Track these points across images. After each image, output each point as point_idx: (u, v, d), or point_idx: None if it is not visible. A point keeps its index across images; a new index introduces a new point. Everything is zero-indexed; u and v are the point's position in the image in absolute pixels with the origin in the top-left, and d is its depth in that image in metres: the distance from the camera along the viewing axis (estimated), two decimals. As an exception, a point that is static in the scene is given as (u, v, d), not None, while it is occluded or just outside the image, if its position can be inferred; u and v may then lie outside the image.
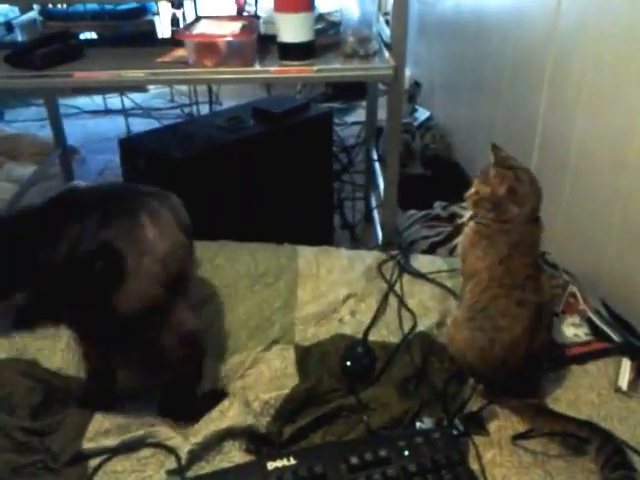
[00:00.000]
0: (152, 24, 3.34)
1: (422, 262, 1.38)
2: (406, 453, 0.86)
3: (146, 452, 0.92)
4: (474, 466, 0.89)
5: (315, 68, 1.44)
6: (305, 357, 1.11)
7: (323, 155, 1.98)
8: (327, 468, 0.84)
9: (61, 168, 2.70)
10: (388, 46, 1.50)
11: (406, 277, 1.32)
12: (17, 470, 0.89)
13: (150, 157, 1.61)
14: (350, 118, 3.37)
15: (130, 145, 1.74)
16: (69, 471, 0.89)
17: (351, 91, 3.49)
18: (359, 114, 3.34)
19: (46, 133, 3.01)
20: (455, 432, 0.93)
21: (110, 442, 0.92)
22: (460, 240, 1.09)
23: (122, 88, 3.39)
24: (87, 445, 0.92)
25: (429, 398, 1.01)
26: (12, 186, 2.47)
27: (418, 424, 0.95)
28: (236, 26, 1.51)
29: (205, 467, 0.90)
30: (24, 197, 2.34)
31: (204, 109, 3.42)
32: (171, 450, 0.91)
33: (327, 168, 2.04)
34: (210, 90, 3.31)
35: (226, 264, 1.36)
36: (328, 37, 1.59)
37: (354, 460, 0.85)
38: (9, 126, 3.47)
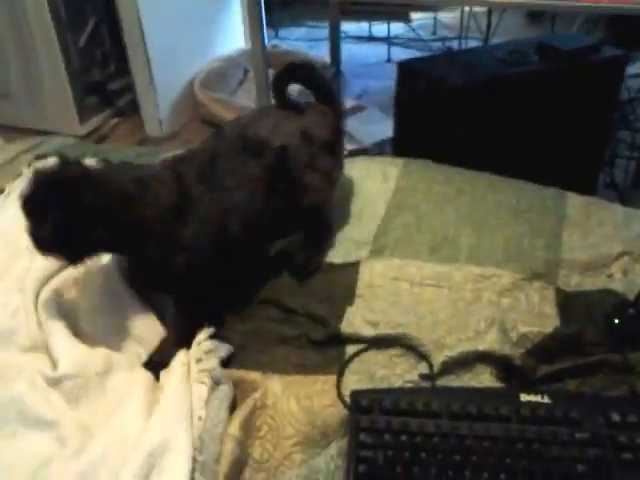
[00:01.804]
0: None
1: None
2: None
3: (397, 351, 0.96)
4: None
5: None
6: (568, 302, 1.04)
7: (606, 104, 1.81)
8: (584, 416, 0.80)
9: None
10: None
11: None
12: (284, 340, 1.00)
13: (429, 81, 1.61)
14: (632, 69, 3.02)
15: (410, 68, 1.76)
16: (329, 351, 0.97)
17: (635, 38, 3.10)
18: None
19: (315, 54, 3.19)
20: None
21: (366, 332, 0.97)
22: None
23: (390, 14, 3.43)
24: (345, 330, 0.98)
25: None
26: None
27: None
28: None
29: (454, 381, 0.90)
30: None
31: (468, 44, 3.32)
32: (423, 356, 0.93)
33: (607, 119, 1.85)
34: (489, 24, 3.17)
35: (488, 194, 1.33)
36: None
37: (615, 417, 0.79)
38: (283, 43, 3.73)
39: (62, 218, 0.86)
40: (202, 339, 0.95)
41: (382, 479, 0.75)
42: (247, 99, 2.80)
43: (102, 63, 2.78)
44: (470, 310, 1.03)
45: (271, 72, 2.93)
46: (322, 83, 1.16)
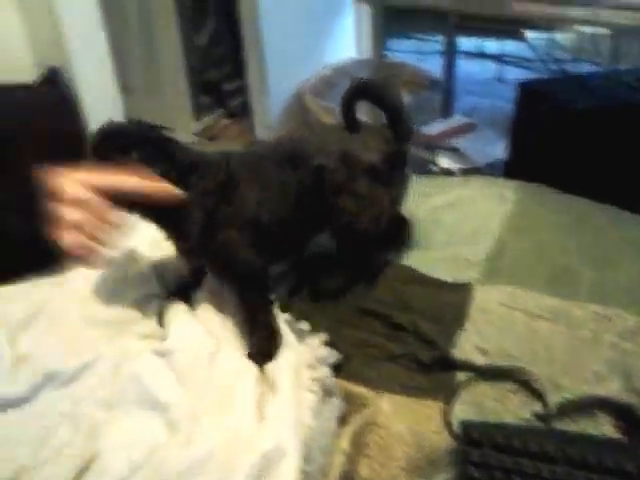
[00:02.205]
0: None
1: None
2: None
3: (510, 385, 0.92)
4: None
5: None
6: None
7: None
8: None
9: (441, 102, 2.78)
10: None
11: None
12: (391, 357, 0.99)
13: (553, 104, 1.56)
14: None
15: (532, 89, 1.71)
16: (437, 375, 0.95)
17: None
18: None
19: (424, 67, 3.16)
20: None
21: (478, 360, 0.94)
22: None
23: (502, 31, 3.34)
24: (456, 354, 0.96)
25: None
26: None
27: None
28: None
29: (570, 425, 0.86)
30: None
31: (582, 68, 3.19)
32: (537, 394, 0.89)
33: None
34: (613, 48, 3.03)
35: (610, 227, 1.27)
36: None
37: None
38: (391, 55, 3.72)
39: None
40: (316, 344, 0.95)
41: (491, 517, 0.73)
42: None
43: (218, 63, 2.88)
44: (589, 351, 0.97)
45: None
46: (393, 104, 1.12)
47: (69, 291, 1.14)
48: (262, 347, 0.98)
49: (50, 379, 0.98)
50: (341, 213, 1.06)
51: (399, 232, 1.21)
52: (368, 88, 1.12)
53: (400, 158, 1.13)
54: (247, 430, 0.82)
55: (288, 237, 1.09)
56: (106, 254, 0.67)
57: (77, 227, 0.62)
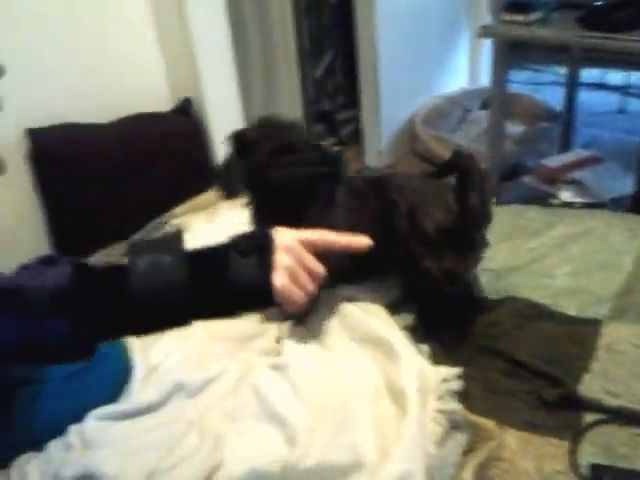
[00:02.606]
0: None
1: None
2: None
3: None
4: None
5: None
6: None
7: None
8: None
9: (560, 134, 2.70)
10: None
11: None
12: (512, 394, 0.96)
13: None
14: None
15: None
16: (562, 414, 0.91)
17: None
18: None
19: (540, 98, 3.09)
20: None
21: (609, 401, 0.90)
22: None
23: (627, 62, 3.19)
24: (586, 394, 0.92)
25: None
26: (506, 142, 2.61)
27: None
28: None
29: None
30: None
31: None
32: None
33: None
34: None
35: None
36: None
37: None
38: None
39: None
40: (450, 377, 0.95)
41: None
42: (465, 138, 2.80)
43: (333, 94, 2.97)
44: None
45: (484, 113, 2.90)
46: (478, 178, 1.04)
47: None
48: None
49: (179, 389, 1.04)
50: (426, 273, 1.06)
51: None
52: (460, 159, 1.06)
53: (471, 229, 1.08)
54: (369, 450, 0.83)
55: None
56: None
57: (288, 271, 0.67)
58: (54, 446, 0.97)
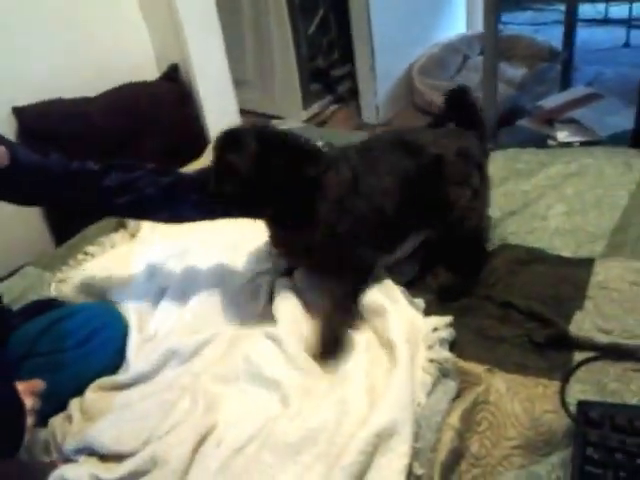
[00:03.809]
0: None
1: None
2: None
3: (634, 365, 0.86)
4: None
5: None
6: None
7: None
8: None
9: (561, 74, 2.62)
10: None
11: None
12: (504, 339, 0.96)
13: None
14: None
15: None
16: (552, 354, 0.91)
17: None
18: None
19: (540, 38, 2.99)
20: None
21: (598, 339, 0.89)
22: None
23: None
24: (577, 332, 0.91)
25: None
26: (505, 87, 2.55)
27: None
28: None
29: (703, 407, 0.80)
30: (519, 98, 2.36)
31: None
32: (665, 375, 0.83)
33: None
34: None
35: None
36: None
37: None
38: (506, 28, 3.55)
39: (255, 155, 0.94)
40: (440, 326, 0.95)
41: (610, 499, 0.69)
42: (465, 86, 2.73)
43: (327, 51, 2.91)
44: None
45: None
46: (473, 108, 1.14)
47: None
48: (327, 346, 0.97)
49: (172, 356, 1.05)
50: (454, 205, 1.05)
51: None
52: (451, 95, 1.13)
53: (487, 156, 1.15)
54: (359, 403, 0.83)
55: (401, 227, 1.09)
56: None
57: None
58: (56, 420, 0.99)
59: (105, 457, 0.90)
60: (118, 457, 0.89)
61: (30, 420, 0.83)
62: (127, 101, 1.72)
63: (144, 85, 1.79)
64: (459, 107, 1.13)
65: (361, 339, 0.98)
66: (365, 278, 1.04)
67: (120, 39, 1.85)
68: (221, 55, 1.95)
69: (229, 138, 0.98)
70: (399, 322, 0.94)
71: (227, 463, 0.83)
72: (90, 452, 0.91)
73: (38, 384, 0.89)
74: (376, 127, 2.75)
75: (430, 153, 1.05)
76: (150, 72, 1.90)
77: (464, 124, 1.13)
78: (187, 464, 0.84)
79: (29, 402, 0.84)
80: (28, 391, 0.85)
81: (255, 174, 0.94)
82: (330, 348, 0.96)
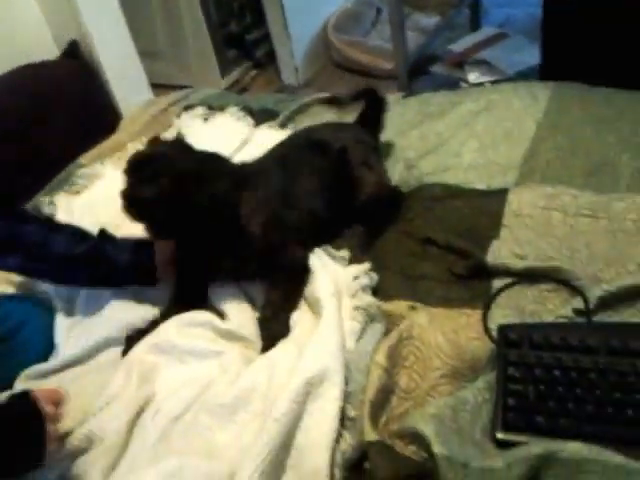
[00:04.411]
0: None
1: None
2: None
3: (549, 286, 0.90)
4: None
5: None
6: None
7: None
8: None
9: (470, 19, 2.65)
10: None
11: None
12: (427, 276, 0.98)
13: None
14: None
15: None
16: (474, 284, 0.94)
17: None
18: None
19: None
20: None
21: (514, 265, 0.92)
22: None
23: None
24: (491, 262, 0.94)
25: None
26: (417, 35, 2.56)
27: None
28: None
29: (612, 317, 0.84)
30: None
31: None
32: (577, 290, 0.87)
33: None
34: None
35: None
36: None
37: None
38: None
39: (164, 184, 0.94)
40: (359, 273, 0.96)
41: (533, 413, 0.72)
42: (380, 40, 2.72)
43: (239, 15, 2.84)
44: (632, 242, 0.94)
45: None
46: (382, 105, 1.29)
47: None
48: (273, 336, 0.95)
49: (105, 344, 1.03)
50: (365, 184, 1.12)
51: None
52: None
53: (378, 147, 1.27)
54: (288, 357, 0.84)
55: (334, 222, 1.11)
56: None
57: None
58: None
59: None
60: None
61: (51, 427, 0.78)
62: (26, 83, 1.63)
63: (43, 65, 1.70)
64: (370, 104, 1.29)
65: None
66: (302, 279, 1.01)
67: (12, 21, 1.74)
68: (121, 26, 1.86)
69: (140, 166, 0.97)
70: (324, 279, 0.94)
71: (166, 432, 0.83)
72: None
73: (58, 393, 0.85)
74: (297, 89, 2.72)
75: (335, 148, 1.14)
76: (49, 51, 1.80)
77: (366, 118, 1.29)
78: (124, 438, 0.84)
79: (49, 409, 0.79)
80: (48, 398, 0.81)
81: (166, 206, 0.95)
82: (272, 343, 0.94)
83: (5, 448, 0.74)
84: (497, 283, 0.92)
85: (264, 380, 0.83)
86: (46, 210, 1.37)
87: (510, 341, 0.79)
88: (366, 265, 0.98)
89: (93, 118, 1.71)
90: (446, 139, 1.26)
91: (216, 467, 0.74)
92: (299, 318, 0.95)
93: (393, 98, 1.47)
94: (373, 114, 1.29)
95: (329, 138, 1.17)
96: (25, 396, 0.80)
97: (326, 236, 1.08)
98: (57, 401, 0.83)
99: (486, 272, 0.94)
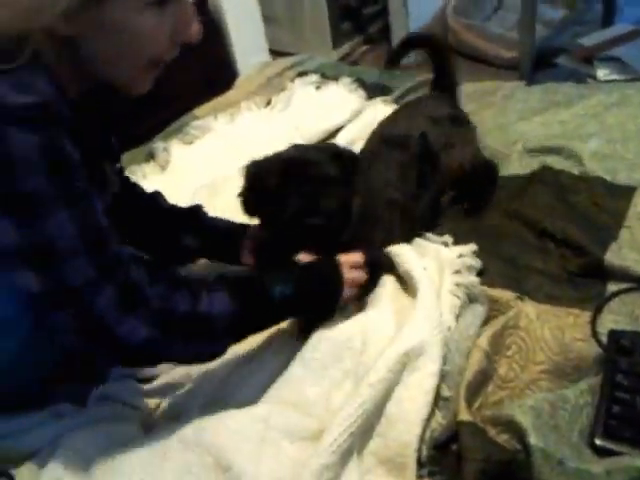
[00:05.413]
0: None
1: None
2: None
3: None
4: None
5: None
6: None
7: None
8: None
9: (602, 15, 2.50)
10: None
11: None
12: (539, 271, 0.94)
13: None
14: None
15: None
16: (585, 285, 0.90)
17: None
18: None
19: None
20: None
21: (633, 270, 0.88)
22: None
23: None
24: (612, 262, 0.90)
25: None
26: (543, 28, 2.45)
27: None
28: None
29: None
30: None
31: None
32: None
33: None
34: None
35: None
36: None
37: None
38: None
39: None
40: (465, 253, 0.94)
41: (638, 425, 0.69)
42: (500, 27, 2.63)
43: (358, -13, 2.82)
44: None
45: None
46: (441, 47, 1.28)
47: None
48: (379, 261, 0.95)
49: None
50: (448, 169, 1.10)
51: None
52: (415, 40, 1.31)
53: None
54: (384, 326, 0.84)
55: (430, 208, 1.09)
56: None
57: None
58: None
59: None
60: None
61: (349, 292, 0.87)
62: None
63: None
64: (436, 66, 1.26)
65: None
66: None
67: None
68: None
69: (255, 176, 0.94)
70: (416, 258, 0.92)
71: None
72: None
73: (357, 256, 0.90)
74: (409, 68, 2.67)
75: (413, 139, 1.09)
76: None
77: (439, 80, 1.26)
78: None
79: (351, 274, 0.87)
80: (347, 264, 0.88)
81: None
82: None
83: (310, 297, 0.85)
84: (613, 287, 0.88)
85: (358, 343, 0.83)
86: (161, 156, 1.42)
87: (621, 348, 0.75)
88: (472, 247, 0.96)
89: (211, 73, 1.75)
90: (572, 128, 1.21)
91: (306, 420, 0.75)
92: (393, 289, 0.94)
93: (515, 84, 1.42)
94: (442, 72, 1.26)
95: (405, 129, 1.12)
96: (331, 260, 0.88)
97: (423, 227, 1.06)
98: (355, 265, 0.89)
99: (600, 273, 0.90)
